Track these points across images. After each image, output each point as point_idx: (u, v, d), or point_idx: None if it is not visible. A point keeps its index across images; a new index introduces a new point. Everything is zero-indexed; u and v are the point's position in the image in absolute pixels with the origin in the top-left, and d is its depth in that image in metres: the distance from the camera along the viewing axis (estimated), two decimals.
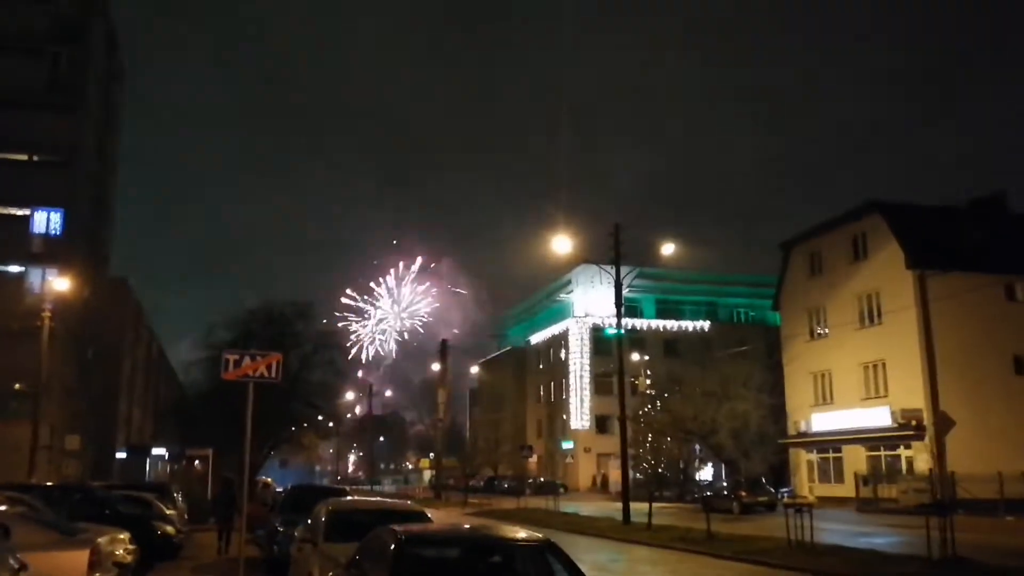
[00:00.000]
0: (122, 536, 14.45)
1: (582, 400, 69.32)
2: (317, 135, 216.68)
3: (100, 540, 11.21)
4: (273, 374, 11.90)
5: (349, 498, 16.27)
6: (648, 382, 55.77)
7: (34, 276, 41.34)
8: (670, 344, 64.95)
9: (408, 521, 11.06)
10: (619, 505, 44.15)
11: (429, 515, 11.41)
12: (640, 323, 69.33)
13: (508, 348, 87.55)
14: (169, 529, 17.62)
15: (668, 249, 30.10)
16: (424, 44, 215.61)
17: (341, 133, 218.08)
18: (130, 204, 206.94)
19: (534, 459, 60.92)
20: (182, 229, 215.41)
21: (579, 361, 69.94)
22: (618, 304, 30.20)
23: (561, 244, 29.33)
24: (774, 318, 72.22)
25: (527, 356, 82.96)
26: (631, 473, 62.47)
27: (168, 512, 20.31)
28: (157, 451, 66.86)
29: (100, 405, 54.88)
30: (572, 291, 74.62)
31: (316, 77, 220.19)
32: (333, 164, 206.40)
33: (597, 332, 69.70)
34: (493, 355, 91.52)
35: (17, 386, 38.33)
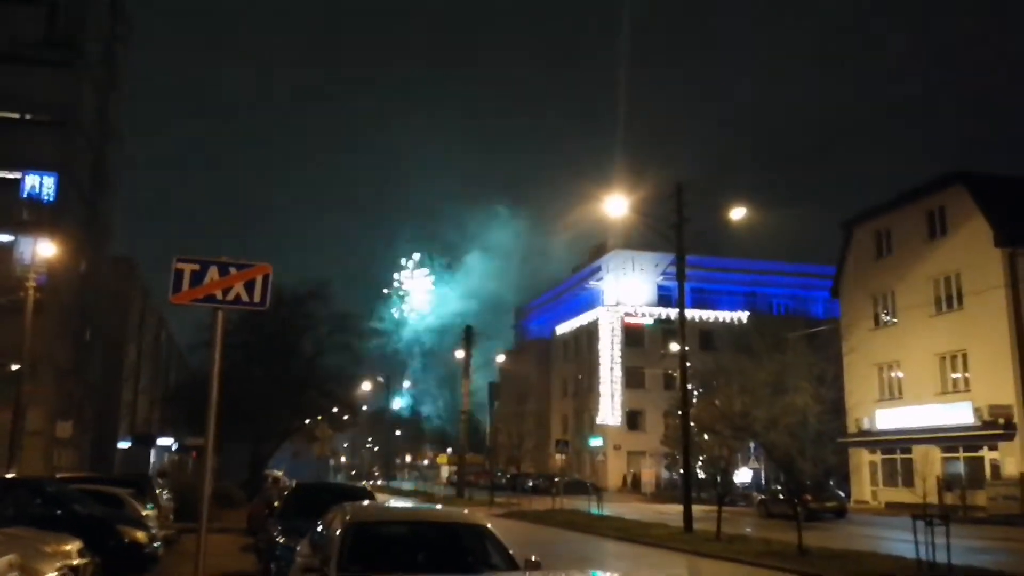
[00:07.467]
0: (68, 547, 10.79)
1: (612, 394, 65.16)
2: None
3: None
4: (256, 298, 7.31)
5: (374, 503, 12.20)
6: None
7: (24, 245, 37.54)
8: (706, 335, 60.79)
9: (474, 541, 7.13)
10: (660, 508, 40.77)
11: (493, 530, 7.33)
12: (675, 313, 64.96)
13: (532, 339, 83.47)
14: (139, 535, 13.42)
15: (738, 214, 26.08)
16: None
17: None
18: (141, 179, 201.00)
19: (561, 457, 57.09)
20: (199, 208, 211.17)
21: (610, 353, 65.65)
22: (680, 276, 26.46)
23: (616, 205, 25.33)
24: (817, 309, 68.41)
25: (552, 347, 78.82)
26: (665, 473, 59.38)
27: (146, 512, 16.38)
28: (163, 441, 63.57)
29: (100, 391, 51.33)
30: (602, 279, 70.41)
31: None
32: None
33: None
34: (516, 346, 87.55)
35: (14, 367, 34.23)
